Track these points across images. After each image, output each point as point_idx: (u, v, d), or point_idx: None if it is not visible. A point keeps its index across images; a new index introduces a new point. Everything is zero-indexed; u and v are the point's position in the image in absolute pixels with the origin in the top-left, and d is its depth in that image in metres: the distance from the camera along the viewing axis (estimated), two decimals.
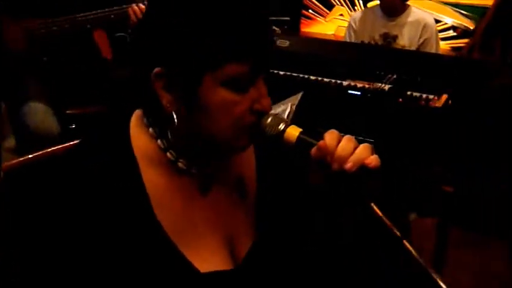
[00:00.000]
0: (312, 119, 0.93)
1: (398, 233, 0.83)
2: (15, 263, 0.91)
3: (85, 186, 0.85)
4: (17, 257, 0.89)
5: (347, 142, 0.84)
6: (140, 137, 0.91)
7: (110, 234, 0.84)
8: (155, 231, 0.88)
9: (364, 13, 3.23)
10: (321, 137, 0.87)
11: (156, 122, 0.90)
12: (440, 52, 3.18)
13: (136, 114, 0.93)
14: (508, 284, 1.68)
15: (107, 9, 2.27)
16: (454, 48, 3.88)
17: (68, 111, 2.28)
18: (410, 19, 3.03)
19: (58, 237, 0.84)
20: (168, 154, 0.90)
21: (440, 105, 2.35)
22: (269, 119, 0.89)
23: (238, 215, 0.98)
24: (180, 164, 0.91)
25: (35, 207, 0.87)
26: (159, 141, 0.90)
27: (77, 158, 0.90)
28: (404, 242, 0.83)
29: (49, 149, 1.14)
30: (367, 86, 2.51)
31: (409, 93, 2.42)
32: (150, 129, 0.90)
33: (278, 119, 0.89)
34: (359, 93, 2.45)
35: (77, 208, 0.84)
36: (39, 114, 2.07)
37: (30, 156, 1.12)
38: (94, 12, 2.26)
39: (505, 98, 2.58)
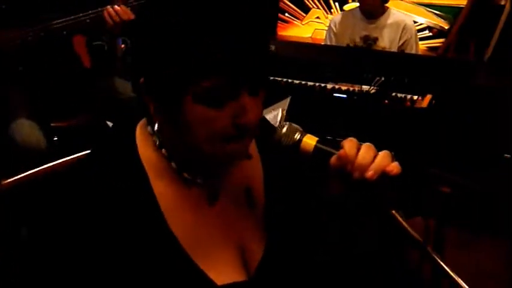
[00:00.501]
0: (302, 124, 0.92)
1: (420, 239, 0.83)
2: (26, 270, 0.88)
3: (96, 199, 0.83)
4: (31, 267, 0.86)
5: (367, 150, 0.83)
6: (146, 147, 0.89)
7: (125, 247, 0.82)
8: (170, 243, 0.86)
9: (343, 16, 3.24)
10: (338, 146, 0.86)
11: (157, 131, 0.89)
12: (419, 52, 3.22)
13: (141, 124, 0.92)
14: (504, 282, 1.70)
15: (81, 14, 2.19)
16: (430, 48, 3.93)
17: (52, 124, 2.23)
18: (390, 21, 3.06)
19: (72, 250, 0.82)
20: (172, 164, 0.89)
21: (425, 106, 2.38)
22: (284, 129, 0.87)
23: (248, 226, 0.96)
24: (185, 174, 0.89)
25: (47, 223, 0.84)
26: (163, 150, 0.88)
27: (86, 172, 0.88)
28: (427, 247, 0.83)
29: (45, 166, 1.12)
30: (351, 88, 2.53)
31: (393, 94, 2.45)
32: (154, 138, 0.89)
33: (293, 128, 0.88)
34: (345, 96, 2.47)
35: (90, 221, 0.82)
36: (26, 129, 2.02)
37: (28, 173, 1.10)
38: (69, 18, 2.19)
39: (484, 98, 2.63)
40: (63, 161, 1.09)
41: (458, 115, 2.38)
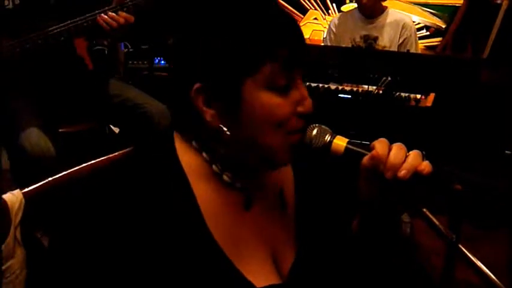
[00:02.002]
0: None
1: (453, 237, 0.84)
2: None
3: (137, 201, 0.83)
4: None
5: (398, 150, 0.84)
6: (186, 152, 0.90)
7: (165, 249, 0.83)
8: (210, 245, 0.87)
9: (343, 17, 3.25)
10: (368, 147, 0.87)
11: (199, 136, 0.89)
12: (419, 51, 3.23)
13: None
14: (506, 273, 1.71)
15: (78, 18, 2.16)
16: (427, 47, 3.96)
17: (60, 130, 2.22)
18: (389, 20, 3.07)
19: (114, 252, 0.82)
20: (214, 167, 0.89)
21: (430, 105, 2.40)
22: (314, 131, 0.88)
23: (280, 229, 0.97)
24: (225, 177, 0.90)
25: (88, 225, 0.84)
26: (204, 154, 0.89)
27: (129, 176, 0.88)
28: (459, 245, 0.84)
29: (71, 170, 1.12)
30: (355, 89, 2.54)
31: (397, 94, 2.46)
32: (194, 143, 0.90)
33: (323, 130, 0.89)
34: (349, 96, 2.48)
35: (132, 224, 0.82)
36: (35, 137, 2.00)
37: (50, 179, 1.10)
38: (66, 23, 2.16)
39: (486, 95, 2.65)
40: (90, 164, 1.09)
41: (462, 113, 2.39)
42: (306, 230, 0.99)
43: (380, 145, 0.85)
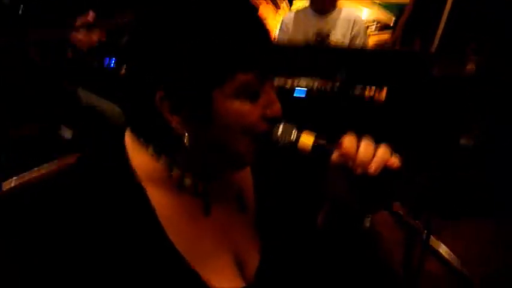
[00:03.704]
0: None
1: (424, 231, 0.84)
2: None
3: (89, 210, 0.79)
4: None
5: (367, 145, 0.83)
6: (140, 157, 0.86)
7: (123, 258, 0.79)
8: (169, 252, 0.84)
9: (295, 14, 3.27)
10: (336, 142, 0.85)
11: (159, 140, 0.85)
12: (368, 45, 3.28)
13: (129, 134, 0.88)
14: (488, 261, 1.73)
15: (49, 28, 2.14)
16: (378, 42, 4.02)
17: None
18: (340, 16, 3.11)
19: (69, 263, 0.77)
20: (174, 171, 0.86)
21: (383, 99, 2.42)
22: (280, 128, 0.86)
23: (242, 233, 0.95)
24: (186, 181, 0.87)
25: (40, 237, 0.79)
26: (162, 158, 0.85)
27: (79, 185, 0.83)
28: (432, 239, 0.84)
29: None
30: (310, 84, 2.53)
31: (351, 89, 2.47)
32: (150, 149, 0.85)
33: (290, 127, 0.86)
34: (305, 89, 2.46)
35: (88, 235, 0.78)
36: None
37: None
38: (35, 29, 2.13)
39: (438, 88, 2.71)
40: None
41: (415, 106, 2.43)
42: (269, 230, 0.97)
43: (348, 141, 0.83)
